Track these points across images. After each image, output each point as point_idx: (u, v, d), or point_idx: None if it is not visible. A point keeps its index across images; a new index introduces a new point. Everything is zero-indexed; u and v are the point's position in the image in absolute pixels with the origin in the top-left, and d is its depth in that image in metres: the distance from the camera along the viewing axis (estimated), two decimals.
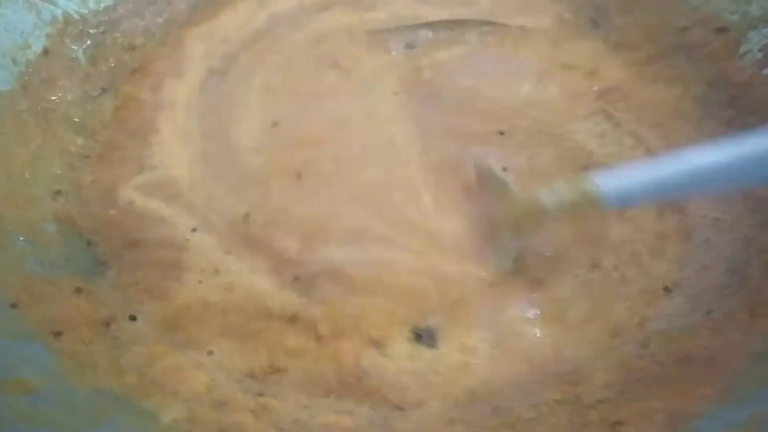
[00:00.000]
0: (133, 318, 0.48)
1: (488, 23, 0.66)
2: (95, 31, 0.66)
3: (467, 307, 0.48)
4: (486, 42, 0.66)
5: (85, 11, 0.66)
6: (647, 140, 0.58)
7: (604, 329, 0.47)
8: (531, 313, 0.48)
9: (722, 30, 0.64)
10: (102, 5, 0.67)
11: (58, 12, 0.64)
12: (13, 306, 0.46)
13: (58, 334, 0.45)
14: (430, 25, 0.66)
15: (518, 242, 0.50)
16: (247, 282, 0.50)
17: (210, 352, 0.46)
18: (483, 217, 0.51)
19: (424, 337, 0.47)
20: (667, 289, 0.49)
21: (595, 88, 0.62)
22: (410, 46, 0.65)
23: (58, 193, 0.55)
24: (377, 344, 0.47)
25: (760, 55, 0.61)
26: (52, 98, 0.61)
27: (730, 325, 0.47)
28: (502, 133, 0.58)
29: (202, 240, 0.52)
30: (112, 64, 0.65)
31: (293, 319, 0.48)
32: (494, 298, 0.49)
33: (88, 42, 0.65)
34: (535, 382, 0.45)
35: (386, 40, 0.65)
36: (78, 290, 0.49)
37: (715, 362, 0.44)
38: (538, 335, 0.47)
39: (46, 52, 0.62)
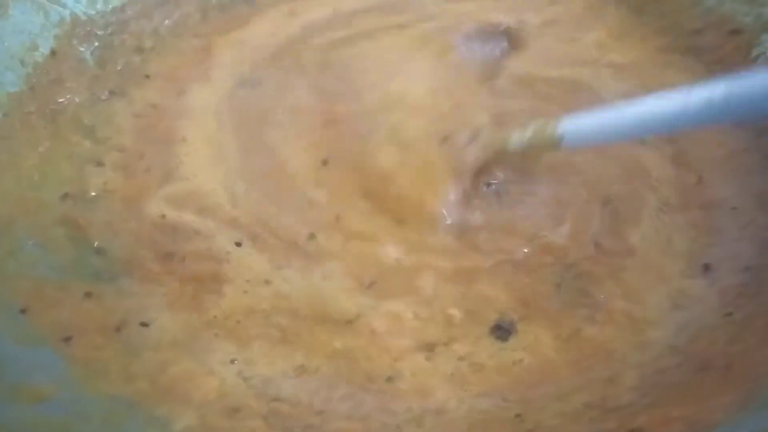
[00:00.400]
0: (144, 324, 0.48)
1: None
2: (103, 32, 0.65)
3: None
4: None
5: (93, 12, 0.65)
6: None
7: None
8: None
9: (735, 32, 0.63)
10: (110, 6, 0.67)
11: (66, 13, 0.64)
12: (23, 311, 0.46)
13: (68, 340, 0.45)
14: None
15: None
16: (309, 288, 0.49)
17: (233, 361, 0.46)
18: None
19: (502, 329, 0.48)
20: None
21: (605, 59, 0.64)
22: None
23: (65, 196, 0.54)
24: (431, 347, 0.47)
25: None
26: (60, 100, 0.60)
27: (748, 331, 0.46)
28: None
29: (248, 254, 0.51)
30: (120, 67, 0.64)
31: (350, 322, 0.47)
32: None
33: (96, 43, 0.65)
34: (572, 383, 0.45)
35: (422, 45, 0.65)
36: (88, 294, 0.48)
37: (733, 369, 0.44)
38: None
39: (53, 53, 0.62)
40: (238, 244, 0.51)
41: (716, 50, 0.63)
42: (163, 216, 0.53)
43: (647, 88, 0.59)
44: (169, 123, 0.60)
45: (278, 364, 0.46)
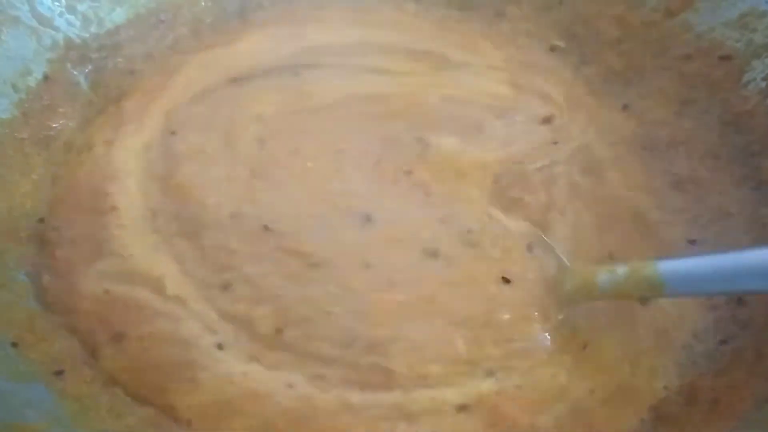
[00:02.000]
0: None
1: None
2: (97, 55, 0.65)
3: None
4: None
5: (87, 35, 0.66)
6: None
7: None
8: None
9: (725, 58, 0.64)
10: (104, 29, 0.67)
11: (59, 37, 0.64)
12: (14, 345, 0.46)
13: (59, 374, 0.45)
14: None
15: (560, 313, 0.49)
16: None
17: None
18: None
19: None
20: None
21: None
22: None
23: (41, 221, 0.54)
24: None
25: (763, 84, 0.61)
26: (54, 126, 0.60)
27: (735, 364, 0.47)
28: None
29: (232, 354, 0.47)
30: (114, 90, 0.64)
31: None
32: None
33: (90, 67, 0.65)
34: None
35: None
36: None
37: (720, 404, 0.44)
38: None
39: (46, 77, 0.62)
40: (220, 347, 0.47)
41: (706, 76, 0.64)
42: (107, 291, 0.49)
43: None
44: (98, 182, 0.56)
45: None
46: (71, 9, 0.65)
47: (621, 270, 0.46)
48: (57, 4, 0.64)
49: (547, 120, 0.62)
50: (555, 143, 0.60)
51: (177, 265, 0.51)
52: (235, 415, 0.44)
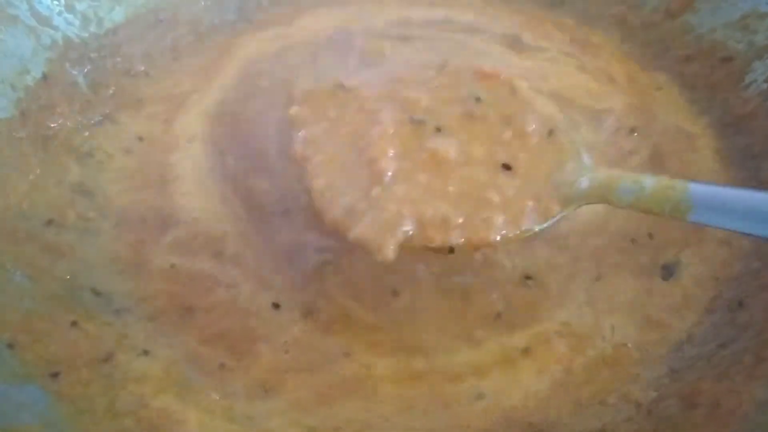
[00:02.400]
0: (145, 353, 0.48)
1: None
2: (96, 55, 0.65)
3: None
4: None
5: (86, 35, 0.65)
6: None
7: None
8: None
9: (726, 60, 0.63)
10: (103, 28, 0.67)
11: (58, 36, 0.63)
12: (10, 346, 0.45)
13: (55, 375, 0.45)
14: None
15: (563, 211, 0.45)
16: None
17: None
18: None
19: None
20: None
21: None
22: None
23: (50, 222, 0.54)
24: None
25: (765, 86, 0.61)
26: (52, 125, 0.60)
27: (735, 368, 0.46)
28: None
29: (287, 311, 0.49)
30: (113, 90, 0.64)
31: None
32: None
33: (89, 66, 0.64)
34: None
35: None
36: (74, 323, 0.48)
37: (720, 408, 0.44)
38: None
39: (45, 77, 0.61)
40: (277, 307, 0.50)
41: (707, 77, 0.63)
42: (173, 265, 0.52)
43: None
44: (160, 158, 0.59)
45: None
46: (70, 8, 0.65)
47: (648, 182, 0.43)
48: (56, 3, 0.64)
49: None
50: None
51: (243, 208, 0.54)
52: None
